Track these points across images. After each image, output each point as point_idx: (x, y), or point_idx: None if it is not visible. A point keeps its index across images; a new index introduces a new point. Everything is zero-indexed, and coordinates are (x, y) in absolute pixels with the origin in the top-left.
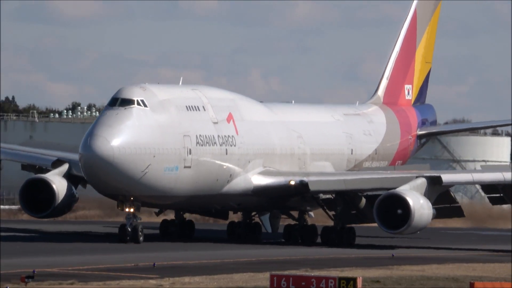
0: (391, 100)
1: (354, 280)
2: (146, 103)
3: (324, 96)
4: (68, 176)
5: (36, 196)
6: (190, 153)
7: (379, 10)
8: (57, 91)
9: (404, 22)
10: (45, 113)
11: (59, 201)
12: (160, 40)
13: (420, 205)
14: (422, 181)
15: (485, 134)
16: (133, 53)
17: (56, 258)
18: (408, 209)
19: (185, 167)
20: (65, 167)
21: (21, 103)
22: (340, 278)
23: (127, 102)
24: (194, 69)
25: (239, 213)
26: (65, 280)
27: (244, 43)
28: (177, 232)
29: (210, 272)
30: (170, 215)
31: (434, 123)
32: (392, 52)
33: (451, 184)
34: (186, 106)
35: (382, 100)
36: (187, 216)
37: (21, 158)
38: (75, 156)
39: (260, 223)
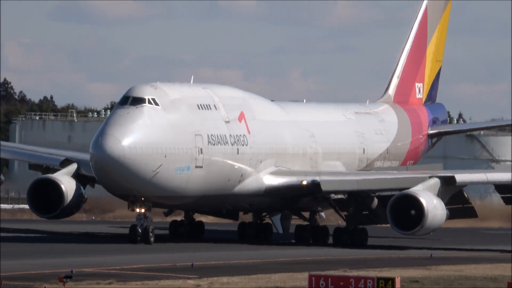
0: (402, 98)
1: (392, 280)
2: (158, 102)
3: (364, 96)
4: (76, 176)
5: (45, 196)
6: (201, 153)
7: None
8: (96, 91)
9: (415, 20)
10: (83, 113)
11: (68, 201)
12: (200, 39)
13: (433, 206)
14: (435, 181)
15: None
16: (172, 53)
17: (89, 258)
18: (421, 210)
19: (196, 167)
20: (73, 166)
21: (60, 103)
22: (379, 278)
23: (138, 101)
24: (233, 68)
25: (249, 214)
26: (103, 280)
27: (283, 43)
28: (186, 233)
29: (248, 272)
30: (176, 216)
31: (445, 122)
32: (403, 51)
33: (465, 184)
34: (198, 105)
35: (392, 99)
36: (197, 216)
37: (30, 158)
38: (83, 156)
39: (271, 223)
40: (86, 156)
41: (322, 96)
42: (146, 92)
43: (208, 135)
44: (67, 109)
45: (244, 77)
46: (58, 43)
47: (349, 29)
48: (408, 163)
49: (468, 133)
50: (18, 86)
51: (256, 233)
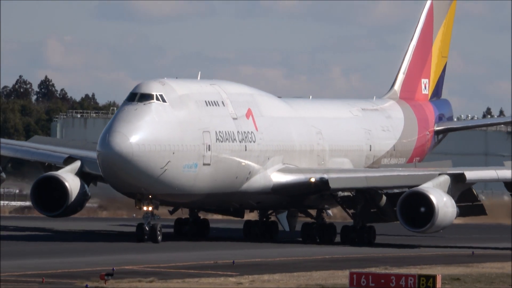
0: (408, 95)
1: (433, 277)
2: (165, 98)
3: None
4: (80, 173)
5: (48, 194)
6: (209, 150)
7: (461, 7)
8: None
9: (421, 15)
10: None
11: (72, 199)
12: (241, 37)
13: (443, 203)
14: (445, 179)
15: None
16: (213, 51)
17: (128, 256)
18: (431, 207)
19: (204, 164)
20: (77, 164)
21: (101, 101)
22: (420, 276)
23: (146, 97)
24: (274, 66)
25: (255, 212)
26: (145, 277)
27: (325, 41)
28: (191, 231)
29: (289, 270)
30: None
31: (450, 118)
32: (409, 46)
33: (474, 182)
34: (206, 101)
35: (398, 95)
36: (201, 214)
37: (32, 155)
38: (87, 153)
39: (277, 221)
40: (89, 154)
41: (364, 93)
42: (154, 89)
43: (216, 132)
44: (108, 107)
45: (285, 75)
46: (100, 41)
47: (389, 27)
48: (414, 160)
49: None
50: (59, 84)
51: (262, 231)
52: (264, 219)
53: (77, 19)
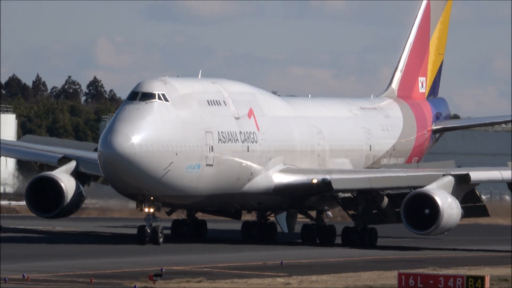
0: (405, 93)
1: (482, 278)
2: (168, 98)
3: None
4: (75, 174)
5: (44, 194)
6: (212, 151)
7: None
8: None
9: (418, 12)
10: None
11: (68, 200)
12: (290, 38)
13: (448, 205)
14: (449, 179)
15: None
16: (263, 51)
17: (176, 257)
18: (436, 209)
19: (207, 165)
20: (72, 164)
21: None
22: (468, 277)
23: (148, 96)
24: (323, 67)
25: (252, 213)
26: (193, 278)
27: (373, 42)
28: (189, 232)
29: (338, 271)
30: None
31: (447, 117)
32: (406, 43)
33: (479, 182)
34: (208, 101)
35: (396, 93)
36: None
37: (25, 155)
38: (82, 153)
39: (276, 223)
40: (85, 154)
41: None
42: (156, 87)
43: (218, 132)
44: None
45: (334, 76)
46: (150, 41)
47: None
48: (413, 160)
49: None
50: (108, 84)
51: (260, 232)
52: (262, 220)
53: (128, 19)
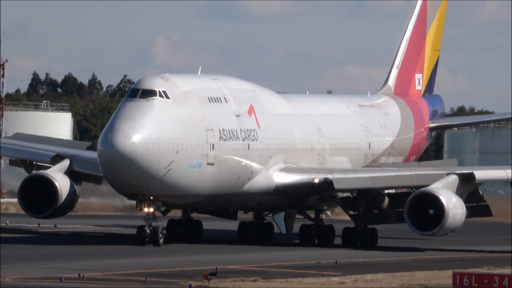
0: (402, 90)
1: None
2: (169, 95)
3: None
4: (69, 172)
5: (37, 194)
6: (213, 149)
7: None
8: None
9: (415, 7)
10: None
11: (62, 200)
12: (347, 37)
13: (453, 205)
14: (453, 178)
15: None
16: (320, 50)
17: (228, 256)
18: (441, 209)
19: (208, 164)
20: (65, 163)
21: None
22: None
23: (149, 94)
24: (379, 66)
25: (249, 213)
26: (248, 277)
27: None
28: (185, 232)
29: (392, 270)
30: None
31: (443, 115)
32: (402, 39)
33: (483, 182)
34: (208, 98)
35: (393, 91)
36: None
37: (16, 153)
38: (76, 151)
39: (273, 223)
40: (78, 152)
41: (469, 93)
42: (157, 84)
43: (219, 129)
44: None
45: None
46: (207, 40)
47: (494, 27)
48: (411, 159)
49: None
50: None
51: (257, 233)
52: (259, 220)
53: (185, 18)
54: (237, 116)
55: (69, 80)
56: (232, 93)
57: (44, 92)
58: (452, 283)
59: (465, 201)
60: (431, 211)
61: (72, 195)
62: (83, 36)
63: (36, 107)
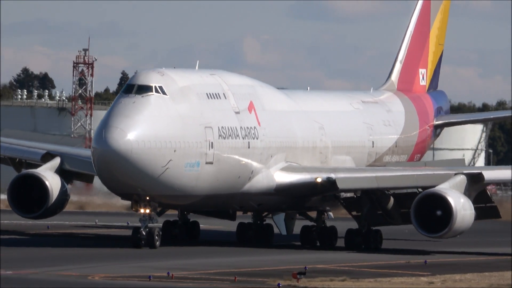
0: (406, 86)
1: None
2: (165, 91)
3: None
4: (60, 171)
5: (27, 193)
6: (212, 147)
7: None
8: (334, 87)
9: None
10: None
11: (53, 200)
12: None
13: (461, 206)
14: (461, 179)
15: None
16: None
17: (316, 255)
18: (449, 211)
19: (206, 163)
20: (56, 161)
21: None
22: None
23: (144, 89)
24: (470, 66)
25: (247, 214)
26: (336, 276)
27: None
28: (181, 234)
29: (481, 269)
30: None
31: (447, 111)
32: (405, 33)
33: (491, 182)
34: (207, 94)
35: (396, 86)
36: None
37: (5, 151)
38: (67, 149)
39: (272, 224)
40: (70, 150)
41: None
42: (153, 80)
43: (219, 127)
44: None
45: (480, 75)
46: (296, 39)
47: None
48: (415, 157)
49: None
50: None
51: (256, 234)
52: (259, 221)
53: (274, 18)
54: (237, 113)
55: None
56: (232, 89)
57: None
58: None
59: (473, 202)
60: (439, 213)
61: (63, 195)
62: (173, 36)
63: None
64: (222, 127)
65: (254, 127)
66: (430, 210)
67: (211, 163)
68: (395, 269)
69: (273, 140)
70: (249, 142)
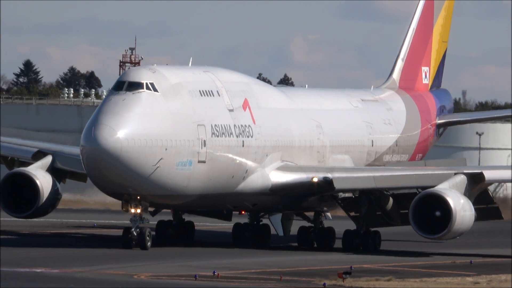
0: (408, 84)
1: None
2: (157, 87)
3: None
4: (51, 170)
5: (17, 193)
6: (204, 146)
7: None
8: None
9: None
10: None
11: (44, 199)
12: (485, 37)
13: (461, 206)
14: (461, 179)
15: None
16: (458, 50)
17: (360, 256)
18: (448, 211)
19: (199, 161)
20: (48, 159)
21: None
22: None
23: (135, 86)
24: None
25: (244, 214)
26: (382, 276)
27: None
28: (175, 234)
29: None
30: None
31: (451, 110)
32: (408, 30)
33: (492, 182)
34: (200, 91)
35: (398, 84)
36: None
37: None
38: (59, 147)
39: (269, 225)
40: (62, 148)
41: None
42: (144, 76)
43: (211, 125)
44: None
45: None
46: (345, 39)
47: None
48: (417, 157)
49: None
50: (298, 82)
51: (253, 235)
52: (255, 222)
53: (322, 18)
54: (231, 110)
55: None
56: (226, 86)
57: None
58: None
59: (474, 203)
60: (438, 213)
61: (55, 194)
62: (221, 35)
63: None
64: (215, 125)
65: (249, 125)
66: (429, 211)
67: (204, 162)
68: (440, 269)
69: (268, 139)
70: (243, 141)
